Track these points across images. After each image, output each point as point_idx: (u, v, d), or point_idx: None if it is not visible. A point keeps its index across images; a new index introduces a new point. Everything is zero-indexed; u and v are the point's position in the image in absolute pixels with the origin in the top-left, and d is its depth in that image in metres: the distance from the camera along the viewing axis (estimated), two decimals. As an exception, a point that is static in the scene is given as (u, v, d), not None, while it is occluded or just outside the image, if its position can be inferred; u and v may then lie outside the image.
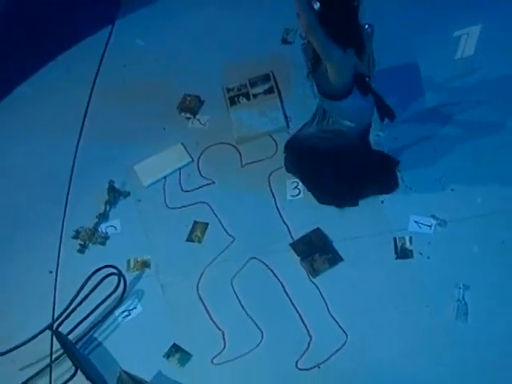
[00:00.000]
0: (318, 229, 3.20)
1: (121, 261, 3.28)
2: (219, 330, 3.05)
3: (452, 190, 3.20)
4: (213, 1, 4.18)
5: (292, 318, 3.01)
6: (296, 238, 3.22)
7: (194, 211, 3.42)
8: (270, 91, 3.72)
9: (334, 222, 3.21)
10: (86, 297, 3.05)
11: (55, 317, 3.11)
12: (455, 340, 2.83)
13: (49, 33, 4.16)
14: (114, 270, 3.14)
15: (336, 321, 2.97)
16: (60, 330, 3.05)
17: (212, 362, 2.98)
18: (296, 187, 3.37)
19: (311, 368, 2.89)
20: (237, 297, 3.12)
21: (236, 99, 3.74)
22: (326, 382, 2.85)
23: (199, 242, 3.32)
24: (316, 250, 3.14)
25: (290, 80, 3.73)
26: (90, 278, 3.06)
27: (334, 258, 3.12)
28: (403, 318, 2.92)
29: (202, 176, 3.55)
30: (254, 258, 3.21)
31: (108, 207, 3.52)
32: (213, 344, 3.01)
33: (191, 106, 3.80)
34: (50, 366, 3.07)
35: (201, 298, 3.15)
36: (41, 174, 3.71)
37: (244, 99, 3.74)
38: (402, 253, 3.08)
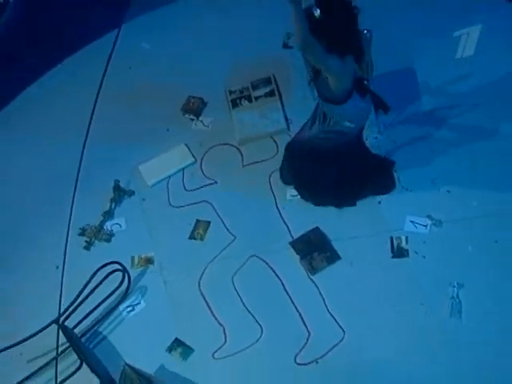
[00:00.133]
0: (317, 228, 3.22)
1: (125, 257, 3.29)
2: (220, 325, 3.07)
3: (448, 191, 3.22)
4: (216, 6, 4.19)
5: (291, 315, 3.03)
6: (295, 236, 3.24)
7: (197, 210, 3.44)
8: (271, 94, 3.74)
9: (332, 221, 3.23)
10: (92, 292, 3.06)
11: (61, 311, 3.12)
12: (450, 338, 2.84)
13: (56, 36, 4.17)
14: (119, 267, 3.15)
15: (334, 317, 2.99)
16: (66, 324, 3.07)
17: (213, 356, 3.00)
18: (296, 187, 3.38)
19: (309, 363, 2.91)
20: (237, 293, 3.14)
21: (238, 101, 3.76)
22: (323, 377, 2.87)
23: (201, 239, 3.34)
24: (315, 249, 3.16)
25: (291, 83, 3.75)
26: (95, 273, 3.07)
27: (332, 257, 3.14)
28: (399, 315, 2.94)
29: (204, 176, 3.57)
30: (255, 255, 3.23)
31: (113, 206, 3.54)
32: (214, 339, 3.03)
33: (195, 108, 3.82)
34: (56, 358, 3.09)
35: (202, 294, 3.17)
36: (48, 174, 3.73)
37: (246, 101, 3.76)
38: (398, 252, 3.10)
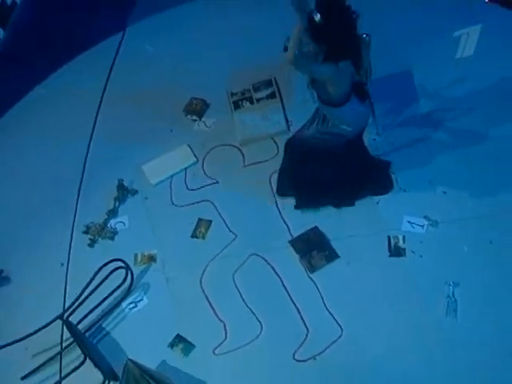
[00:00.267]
0: (316, 227, 3.22)
1: (128, 255, 3.30)
2: (221, 322, 3.07)
3: (444, 192, 3.22)
4: (219, 11, 4.20)
5: (290, 312, 3.03)
6: (295, 235, 3.24)
7: (199, 209, 3.44)
8: (272, 96, 3.75)
9: (331, 221, 3.24)
10: (95, 289, 3.07)
11: (66, 307, 3.14)
12: (445, 336, 2.84)
13: (63, 38, 4.20)
14: (122, 264, 3.15)
15: (332, 315, 2.99)
16: (70, 319, 3.08)
17: (214, 352, 3.00)
18: (296, 188, 3.38)
19: (307, 359, 2.91)
20: (238, 291, 3.14)
21: (240, 103, 3.77)
22: (321, 373, 2.87)
23: (203, 238, 3.35)
24: (314, 248, 3.16)
25: (291, 85, 3.75)
26: (99, 270, 3.08)
27: (331, 255, 3.14)
28: (396, 313, 2.94)
29: (206, 176, 3.58)
30: (255, 254, 3.24)
31: (117, 204, 3.54)
32: (215, 335, 3.03)
33: (197, 109, 3.83)
34: (60, 353, 3.10)
35: (204, 292, 3.17)
36: (54, 172, 3.74)
37: (247, 103, 3.76)
38: (396, 251, 3.10)
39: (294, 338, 2.96)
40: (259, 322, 3.04)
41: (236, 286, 3.15)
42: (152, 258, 3.33)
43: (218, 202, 3.45)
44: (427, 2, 3.86)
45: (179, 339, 3.05)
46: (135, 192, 3.59)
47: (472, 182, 3.19)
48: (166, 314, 3.13)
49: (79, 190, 3.64)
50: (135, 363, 2.81)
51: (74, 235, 3.48)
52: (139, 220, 3.48)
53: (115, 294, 3.20)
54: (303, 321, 3.00)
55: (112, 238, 3.44)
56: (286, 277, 3.14)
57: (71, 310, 3.07)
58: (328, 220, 3.24)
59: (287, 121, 3.64)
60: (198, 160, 3.64)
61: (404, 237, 3.12)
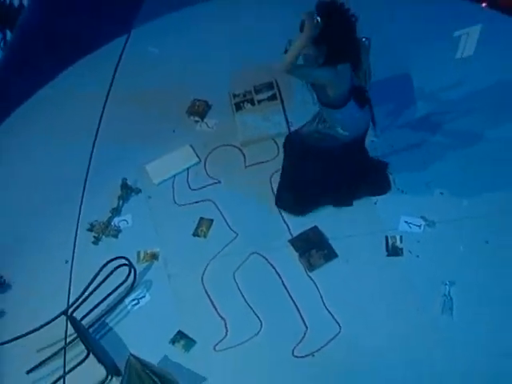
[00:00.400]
0: (316, 227, 3.22)
1: (131, 253, 3.30)
2: (221, 318, 3.07)
3: (441, 193, 3.21)
4: (221, 13, 4.19)
5: (289, 309, 3.04)
6: (294, 235, 3.24)
7: (201, 208, 3.44)
8: (273, 98, 3.75)
9: (330, 220, 3.24)
10: (99, 285, 3.08)
11: (70, 303, 3.13)
12: (441, 334, 2.84)
13: (69, 40, 4.19)
14: (125, 261, 3.16)
15: (330, 313, 2.99)
16: (74, 315, 3.08)
17: (214, 348, 3.00)
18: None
19: (306, 356, 2.91)
20: (238, 288, 3.14)
21: (241, 104, 3.77)
22: (319, 369, 2.87)
23: (204, 236, 3.35)
24: (313, 247, 3.16)
25: (292, 88, 3.74)
26: (102, 268, 3.08)
27: (330, 254, 3.14)
28: (393, 311, 2.94)
29: (208, 176, 3.58)
30: (255, 252, 3.24)
31: (121, 203, 3.54)
32: (215, 332, 3.03)
33: (199, 111, 3.83)
34: (64, 348, 3.11)
35: (205, 289, 3.17)
36: (59, 171, 3.74)
37: (249, 105, 3.76)
38: (393, 251, 3.10)
39: (293, 334, 2.96)
40: (259, 319, 3.04)
41: (237, 284, 3.16)
42: (154, 256, 3.33)
43: (219, 202, 3.45)
44: (427, 2, 3.85)
45: (180, 335, 3.05)
46: (139, 191, 3.59)
47: (468, 183, 3.19)
48: (168, 310, 3.14)
49: (84, 188, 3.64)
50: (137, 358, 2.81)
51: (78, 233, 3.48)
52: (142, 218, 3.48)
53: (118, 291, 3.21)
54: (302, 318, 3.01)
55: (116, 236, 3.45)
56: (286, 275, 3.14)
57: (75, 306, 3.07)
58: (327, 220, 3.24)
59: (288, 122, 3.64)
60: (200, 160, 3.63)
61: (401, 237, 3.11)
